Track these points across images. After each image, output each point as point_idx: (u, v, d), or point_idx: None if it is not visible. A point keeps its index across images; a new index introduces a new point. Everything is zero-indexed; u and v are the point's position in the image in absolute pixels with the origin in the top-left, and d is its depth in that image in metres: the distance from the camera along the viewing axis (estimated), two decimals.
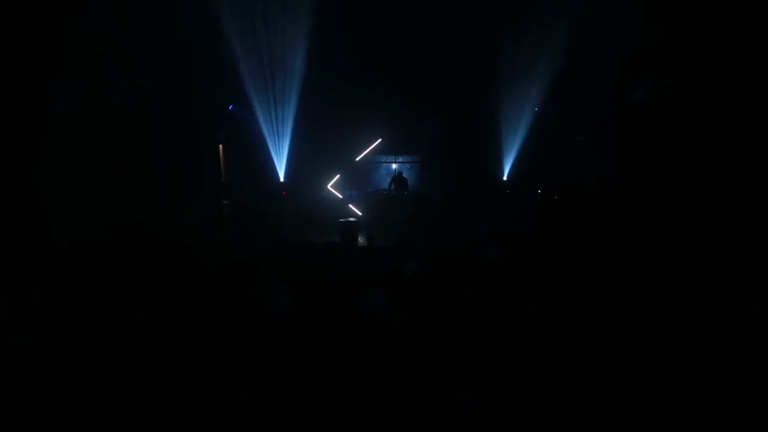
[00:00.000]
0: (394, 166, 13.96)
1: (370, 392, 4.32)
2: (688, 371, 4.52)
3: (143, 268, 7.44)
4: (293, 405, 4.21)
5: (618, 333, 5.29)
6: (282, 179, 13.07)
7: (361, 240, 10.63)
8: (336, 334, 5.36)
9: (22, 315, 5.60)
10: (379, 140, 13.62)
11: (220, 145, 13.13)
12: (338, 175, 13.58)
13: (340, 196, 13.59)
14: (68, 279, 6.79)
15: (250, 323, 5.66)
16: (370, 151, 13.82)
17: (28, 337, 5.19)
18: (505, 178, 13.31)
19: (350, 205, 13.39)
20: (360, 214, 13.03)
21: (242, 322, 5.73)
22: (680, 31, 9.92)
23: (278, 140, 12.82)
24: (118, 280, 6.80)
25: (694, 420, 4.00)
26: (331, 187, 13.67)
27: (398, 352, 4.89)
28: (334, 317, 5.76)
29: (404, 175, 13.64)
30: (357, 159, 13.71)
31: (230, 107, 12.95)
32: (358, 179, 13.95)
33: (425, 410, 4.10)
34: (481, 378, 4.39)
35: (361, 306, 5.85)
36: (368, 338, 5.28)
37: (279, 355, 4.91)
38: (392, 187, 13.47)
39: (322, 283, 6.76)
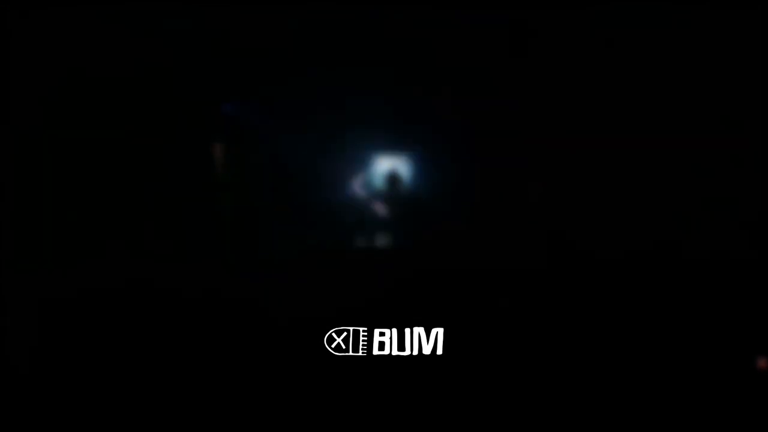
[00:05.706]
0: (388, 164, 13.69)
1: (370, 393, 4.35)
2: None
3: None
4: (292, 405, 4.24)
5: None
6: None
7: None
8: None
9: None
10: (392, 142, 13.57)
11: (218, 145, 13.05)
12: (362, 174, 13.40)
13: (363, 194, 13.45)
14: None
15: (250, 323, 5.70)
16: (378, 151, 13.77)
17: None
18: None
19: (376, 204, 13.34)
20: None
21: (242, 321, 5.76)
22: None
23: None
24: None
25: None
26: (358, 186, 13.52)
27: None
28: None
29: (398, 173, 13.29)
30: (379, 161, 13.50)
31: (227, 106, 12.88)
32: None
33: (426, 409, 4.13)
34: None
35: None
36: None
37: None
38: (386, 187, 13.29)
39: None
